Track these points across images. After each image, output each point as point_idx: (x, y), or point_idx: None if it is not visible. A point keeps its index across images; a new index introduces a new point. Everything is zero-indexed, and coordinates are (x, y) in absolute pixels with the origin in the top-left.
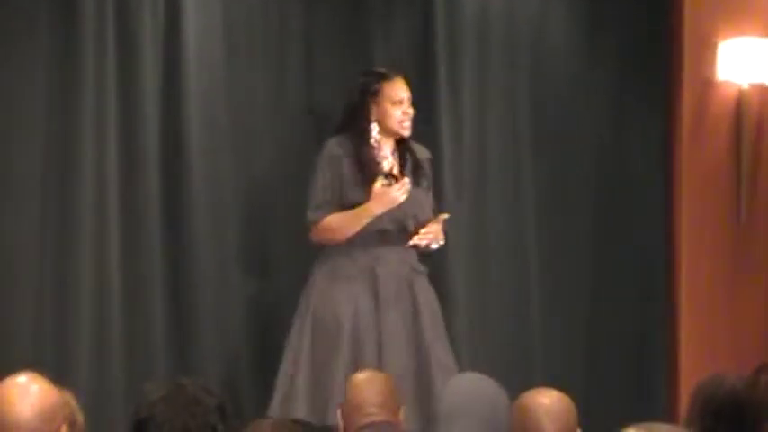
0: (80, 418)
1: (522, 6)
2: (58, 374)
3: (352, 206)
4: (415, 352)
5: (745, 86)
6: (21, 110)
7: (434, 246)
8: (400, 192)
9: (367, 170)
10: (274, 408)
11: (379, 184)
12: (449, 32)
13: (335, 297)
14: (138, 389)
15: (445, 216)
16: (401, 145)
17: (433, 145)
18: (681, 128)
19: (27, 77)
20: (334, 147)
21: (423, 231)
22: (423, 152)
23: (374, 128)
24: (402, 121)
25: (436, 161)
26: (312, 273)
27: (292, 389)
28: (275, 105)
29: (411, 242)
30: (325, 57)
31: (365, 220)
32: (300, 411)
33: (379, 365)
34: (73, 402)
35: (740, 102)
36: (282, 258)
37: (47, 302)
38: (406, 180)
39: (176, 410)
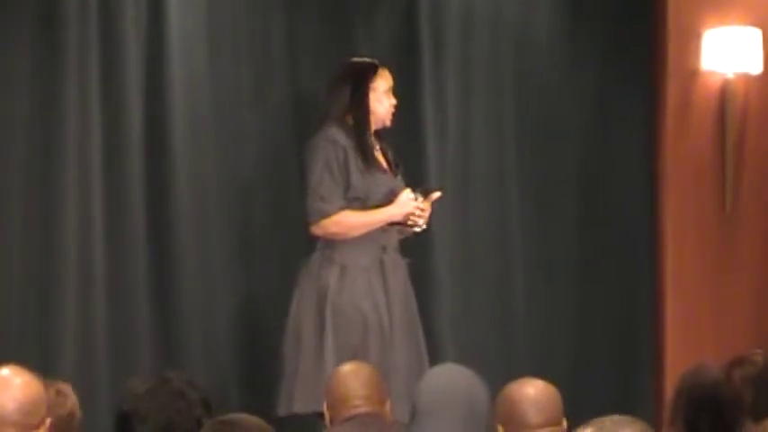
0: (78, 411)
1: None
2: (42, 370)
3: (356, 197)
4: (414, 342)
5: (730, 76)
6: (2, 108)
7: (417, 228)
8: (419, 217)
9: (371, 160)
10: (291, 394)
11: (405, 194)
12: (432, 25)
13: (354, 289)
14: (123, 383)
15: (438, 194)
16: (378, 136)
17: (417, 139)
18: (666, 117)
19: (9, 75)
20: (337, 135)
21: (419, 209)
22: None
23: (369, 119)
24: (390, 111)
25: (421, 152)
26: (314, 260)
27: (315, 385)
28: (259, 100)
29: (410, 221)
30: (309, 51)
31: (382, 224)
32: (310, 404)
33: (391, 356)
34: (72, 397)
35: (725, 91)
36: (267, 253)
37: (31, 299)
38: (428, 209)
39: (160, 404)
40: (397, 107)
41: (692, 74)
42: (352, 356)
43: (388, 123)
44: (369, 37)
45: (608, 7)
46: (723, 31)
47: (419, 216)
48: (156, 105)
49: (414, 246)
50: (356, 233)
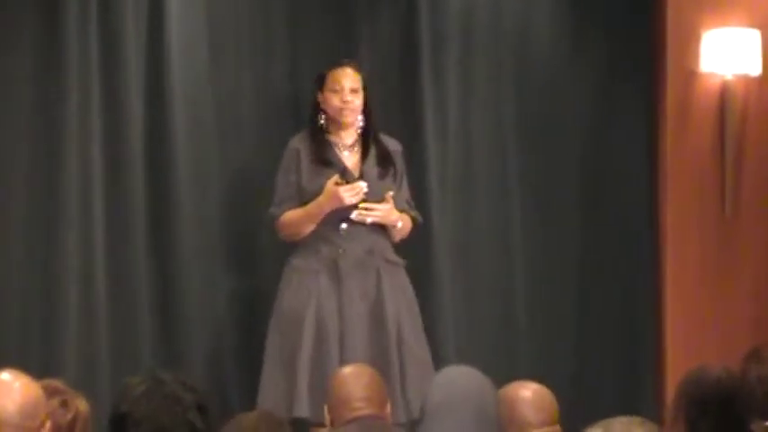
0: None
1: None
2: (43, 368)
3: (311, 199)
4: (385, 346)
5: (729, 77)
6: (5, 110)
7: (369, 220)
8: (350, 194)
9: (319, 162)
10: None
11: (332, 181)
12: (433, 26)
13: (299, 292)
14: (122, 382)
15: (391, 193)
16: (365, 137)
17: (417, 138)
18: (665, 119)
19: (10, 77)
20: (295, 141)
21: (365, 207)
22: (393, 144)
23: (321, 117)
24: (341, 109)
25: (421, 154)
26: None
27: (261, 384)
28: (260, 101)
29: (352, 216)
30: (310, 51)
31: (317, 217)
32: (266, 404)
33: (341, 360)
34: (83, 406)
35: (724, 92)
36: (266, 250)
37: (33, 301)
38: (361, 184)
39: (154, 408)
40: (397, 107)
41: (692, 75)
42: (290, 358)
43: (344, 119)
44: (370, 37)
45: (608, 9)
46: (722, 32)
47: (352, 195)
48: (157, 106)
49: (413, 246)
50: (302, 231)
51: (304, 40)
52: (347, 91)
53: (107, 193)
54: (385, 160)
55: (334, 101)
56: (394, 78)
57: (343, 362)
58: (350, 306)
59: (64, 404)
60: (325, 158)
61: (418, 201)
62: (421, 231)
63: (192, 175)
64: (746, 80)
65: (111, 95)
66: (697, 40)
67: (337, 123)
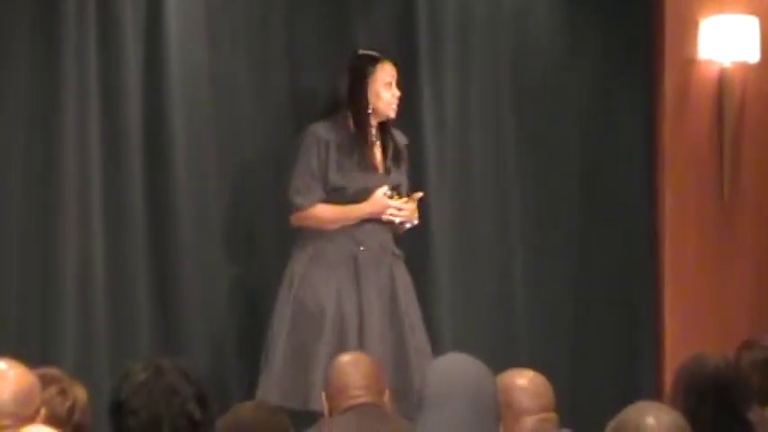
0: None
1: None
2: (42, 358)
3: (334, 190)
4: (395, 338)
5: (727, 64)
6: (2, 109)
7: (408, 225)
8: (398, 213)
9: (363, 154)
10: (258, 382)
11: (381, 192)
12: (431, 18)
13: (317, 282)
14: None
15: (420, 195)
16: (382, 130)
17: (415, 130)
18: (663, 106)
19: (8, 76)
20: (322, 131)
21: (396, 208)
22: (401, 137)
23: (368, 108)
24: (391, 104)
25: (419, 146)
26: (291, 255)
27: (267, 373)
28: (258, 93)
29: (384, 218)
30: (308, 44)
31: (355, 220)
32: (274, 396)
33: (361, 352)
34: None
35: (722, 80)
36: (266, 241)
37: (32, 291)
38: (412, 208)
39: (152, 398)
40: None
41: (690, 62)
42: (303, 347)
43: (391, 115)
44: (367, 31)
45: None
46: (720, 19)
47: (395, 215)
48: (156, 102)
49: (412, 238)
50: (330, 227)
51: (302, 35)
52: (395, 85)
53: (105, 187)
54: (397, 153)
55: (386, 94)
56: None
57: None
58: (368, 301)
59: (62, 392)
60: (362, 155)
61: None
62: (419, 225)
63: (191, 169)
64: (744, 67)
65: (109, 92)
66: (695, 27)
67: (376, 115)
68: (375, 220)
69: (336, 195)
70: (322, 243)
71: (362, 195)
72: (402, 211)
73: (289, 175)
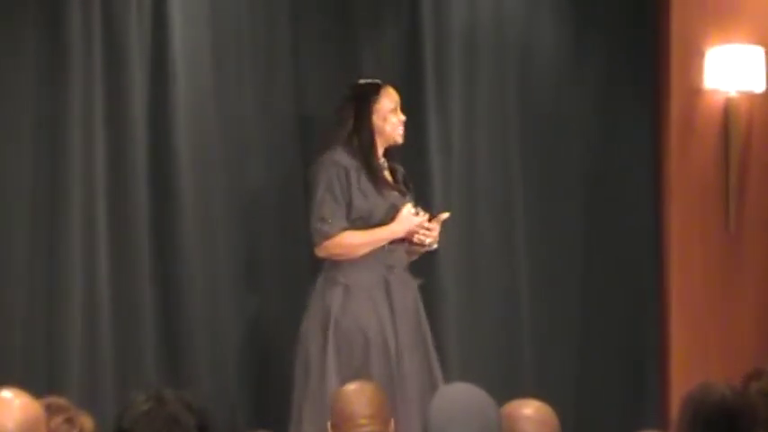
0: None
1: (509, 16)
2: (48, 388)
3: (359, 217)
4: (428, 361)
5: (733, 94)
6: (7, 125)
7: (435, 246)
8: (424, 232)
9: (377, 180)
10: (300, 415)
11: (407, 210)
12: (436, 41)
13: (358, 309)
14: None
15: (446, 215)
16: (387, 156)
17: (422, 153)
18: (669, 136)
19: (13, 89)
20: (341, 157)
21: (426, 228)
22: (398, 165)
23: (372, 134)
24: (397, 127)
25: (425, 169)
26: (319, 282)
27: (321, 404)
28: (264, 116)
29: (416, 238)
30: (313, 66)
31: (385, 242)
32: (317, 425)
33: (399, 376)
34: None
35: (728, 110)
36: (274, 271)
37: (37, 317)
38: (437, 229)
39: (154, 428)
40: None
41: (696, 92)
42: (355, 376)
43: (398, 140)
44: (373, 52)
45: (611, 25)
46: (726, 49)
47: (424, 234)
48: (161, 122)
49: (419, 259)
50: (360, 252)
51: (307, 56)
52: (399, 109)
53: (110, 206)
54: (406, 179)
55: (391, 122)
56: (397, 92)
57: (400, 379)
58: (402, 324)
59: (68, 421)
60: (381, 179)
61: None
62: (429, 249)
63: (197, 190)
64: (750, 97)
65: (115, 111)
66: (701, 56)
67: (383, 141)
68: (398, 241)
69: (360, 223)
70: (354, 270)
71: (392, 213)
72: (432, 231)
73: (310, 206)
